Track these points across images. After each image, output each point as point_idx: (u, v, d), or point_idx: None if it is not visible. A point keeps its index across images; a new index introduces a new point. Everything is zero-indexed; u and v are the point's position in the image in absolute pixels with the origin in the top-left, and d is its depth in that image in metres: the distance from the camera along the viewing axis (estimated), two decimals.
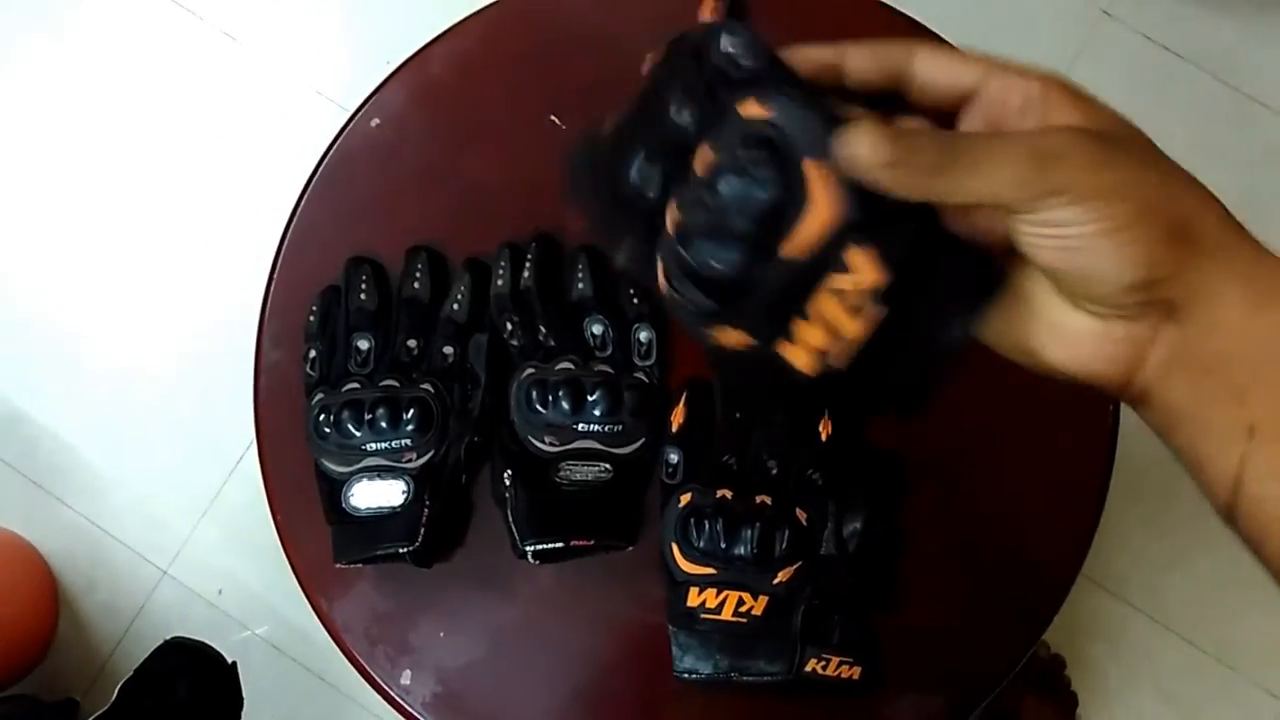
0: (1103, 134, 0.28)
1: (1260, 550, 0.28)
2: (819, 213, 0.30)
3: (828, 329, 0.31)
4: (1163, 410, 0.30)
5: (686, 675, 0.61)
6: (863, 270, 0.30)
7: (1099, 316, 0.29)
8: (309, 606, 0.67)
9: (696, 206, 0.31)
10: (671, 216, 0.32)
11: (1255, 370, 0.28)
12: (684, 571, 0.60)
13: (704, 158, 0.31)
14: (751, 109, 0.30)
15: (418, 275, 0.65)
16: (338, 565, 0.63)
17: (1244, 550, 0.29)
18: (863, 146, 0.28)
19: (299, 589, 0.67)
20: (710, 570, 0.60)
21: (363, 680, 0.66)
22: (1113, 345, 0.29)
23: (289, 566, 0.67)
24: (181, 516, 1.27)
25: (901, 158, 0.28)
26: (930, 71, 0.31)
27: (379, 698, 0.65)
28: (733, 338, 0.33)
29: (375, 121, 0.70)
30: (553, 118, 0.69)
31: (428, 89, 0.71)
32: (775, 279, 0.31)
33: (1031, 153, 0.27)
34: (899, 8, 0.72)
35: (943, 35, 0.70)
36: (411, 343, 0.65)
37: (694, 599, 0.60)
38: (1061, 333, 0.30)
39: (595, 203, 0.35)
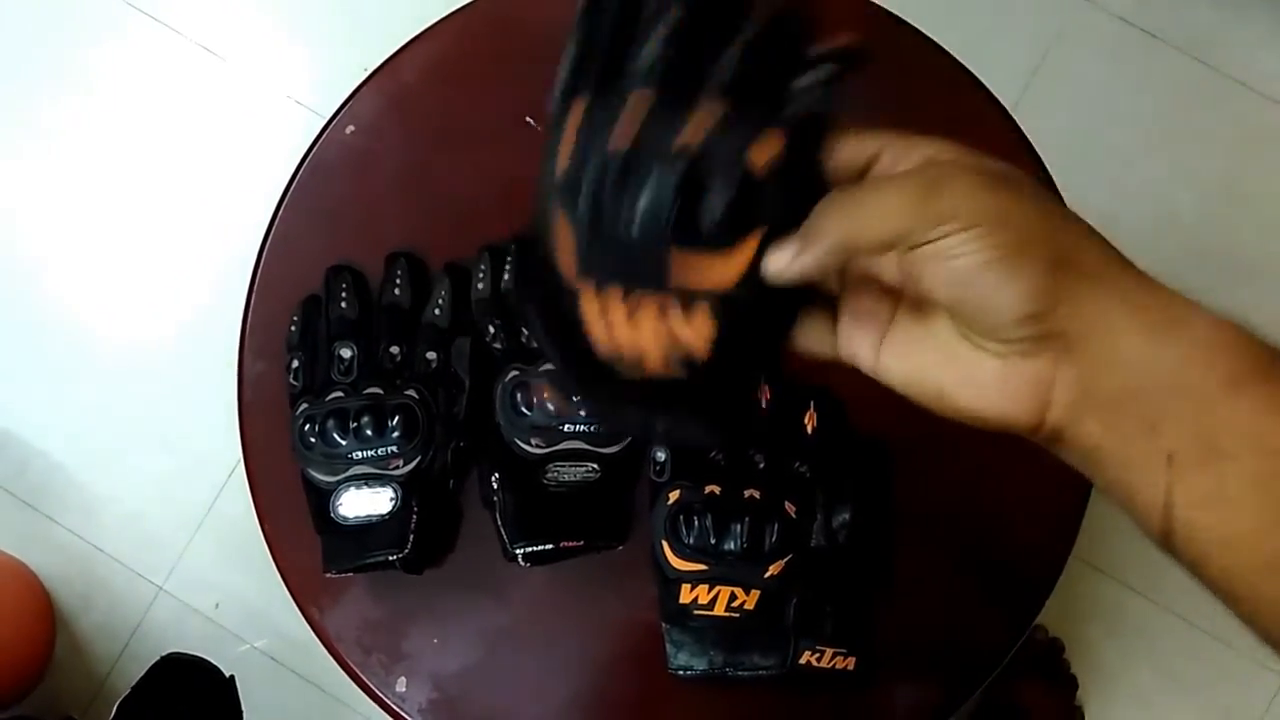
0: (988, 169, 0.30)
1: (1201, 574, 0.29)
2: (740, 260, 0.32)
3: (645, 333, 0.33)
4: (1080, 451, 0.30)
5: (681, 672, 0.61)
6: (700, 329, 0.33)
7: (999, 356, 0.30)
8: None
9: (679, 143, 0.31)
10: (633, 119, 0.32)
11: (1163, 401, 0.28)
12: (675, 568, 0.60)
13: (714, 112, 0.31)
14: (768, 148, 0.32)
15: (398, 281, 0.65)
16: (328, 574, 0.63)
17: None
18: (779, 263, 0.32)
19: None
20: (701, 566, 0.60)
21: (366, 695, 0.65)
22: (1016, 384, 0.30)
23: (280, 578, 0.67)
24: (175, 531, 1.26)
25: (803, 240, 0.31)
26: (838, 150, 0.33)
27: (379, 708, 0.65)
28: (565, 245, 0.34)
29: (350, 129, 0.70)
30: (528, 119, 0.69)
31: (402, 94, 0.71)
32: (656, 262, 0.32)
33: (918, 182, 0.29)
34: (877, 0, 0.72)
35: (920, 24, 0.70)
36: (394, 349, 0.64)
37: (686, 596, 0.60)
38: (968, 375, 0.31)
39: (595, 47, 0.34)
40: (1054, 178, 0.68)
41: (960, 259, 0.28)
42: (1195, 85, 1.28)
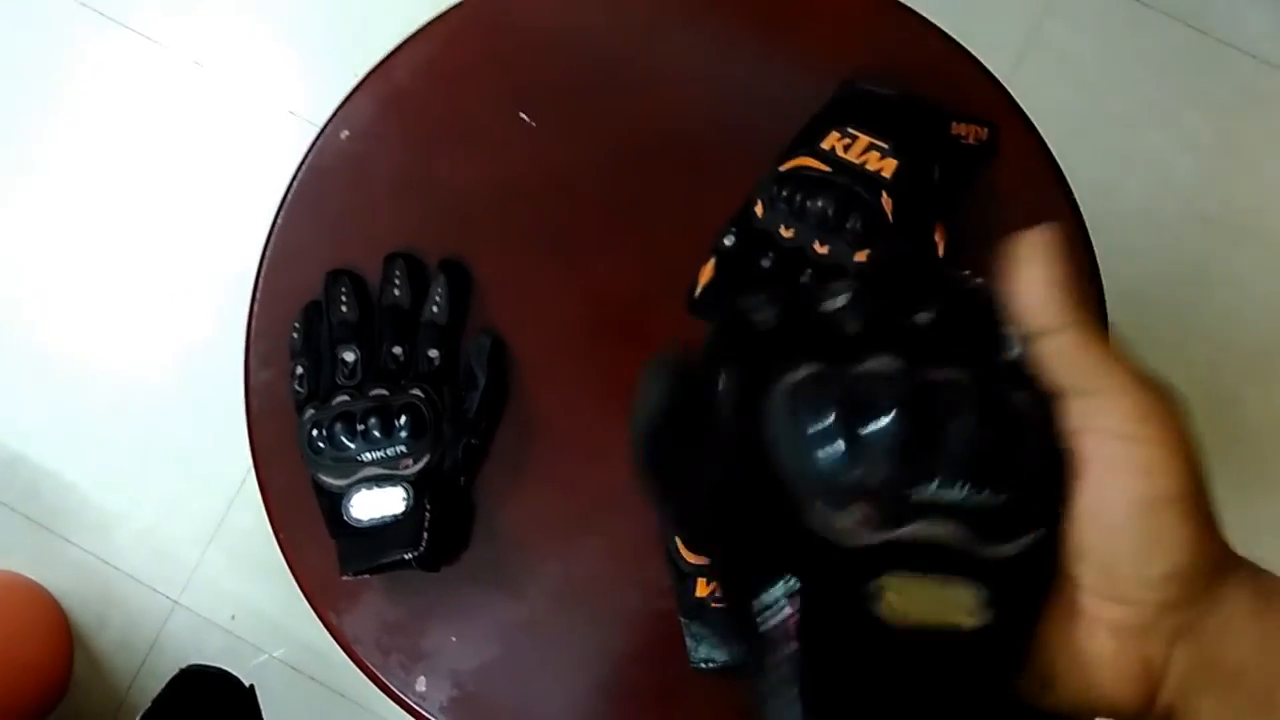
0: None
1: None
2: None
3: None
4: None
5: (704, 665, 0.61)
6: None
7: (1114, 634, 0.28)
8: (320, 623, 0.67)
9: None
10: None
11: (1275, 676, 0.27)
12: (689, 563, 0.60)
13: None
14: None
15: (396, 282, 0.65)
16: (344, 577, 0.63)
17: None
18: None
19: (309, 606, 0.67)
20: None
21: (387, 697, 0.66)
22: (1126, 665, 0.28)
23: (296, 584, 0.67)
24: (188, 545, 1.27)
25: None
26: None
27: (400, 710, 0.65)
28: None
29: (345, 133, 0.70)
30: (522, 115, 0.69)
31: (395, 96, 0.71)
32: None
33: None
34: None
35: (911, 1, 0.70)
36: (397, 350, 0.65)
37: (702, 590, 0.60)
38: (1075, 655, 0.29)
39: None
40: (1052, 148, 0.68)
41: (1152, 479, 0.27)
42: (1187, 50, 1.27)
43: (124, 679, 1.26)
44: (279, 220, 0.70)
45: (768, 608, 0.27)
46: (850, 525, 0.27)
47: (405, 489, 0.62)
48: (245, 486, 1.26)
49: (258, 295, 0.70)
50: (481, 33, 0.72)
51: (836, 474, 0.27)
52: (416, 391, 0.63)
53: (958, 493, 0.27)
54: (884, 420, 0.26)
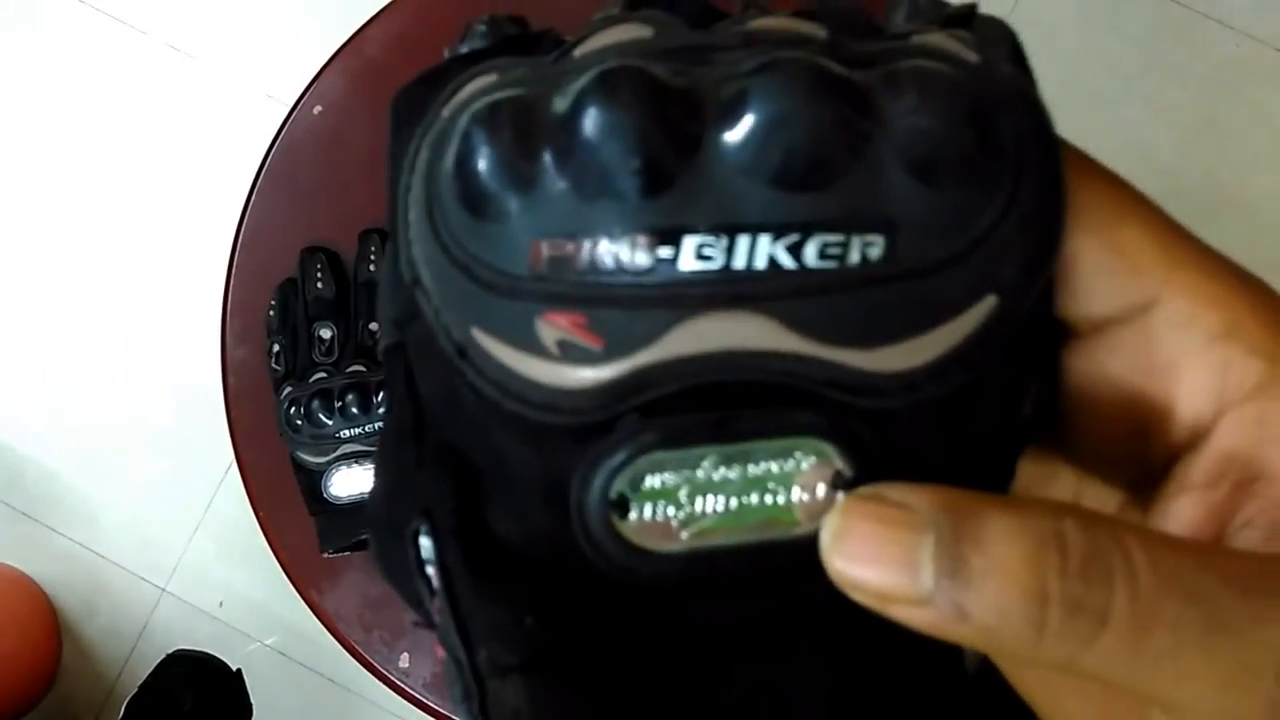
0: None
1: None
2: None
3: None
4: None
5: None
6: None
7: None
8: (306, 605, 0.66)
9: None
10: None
11: None
12: None
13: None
14: None
15: (372, 258, 0.65)
16: (325, 555, 0.63)
17: None
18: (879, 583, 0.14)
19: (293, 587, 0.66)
20: None
21: (370, 674, 0.65)
22: None
23: (277, 563, 0.67)
24: (174, 532, 1.26)
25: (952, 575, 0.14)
26: (1079, 265, 0.17)
27: (389, 691, 0.65)
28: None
29: (317, 109, 0.70)
30: None
31: (367, 70, 0.70)
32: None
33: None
34: None
35: None
36: (373, 326, 0.64)
37: None
38: None
39: None
40: None
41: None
42: (1167, 24, 1.27)
43: (113, 667, 1.26)
44: (252, 197, 0.70)
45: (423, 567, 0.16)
46: (546, 358, 0.14)
47: None
48: (230, 473, 1.25)
49: (233, 273, 0.69)
50: (453, 3, 0.71)
51: (507, 236, 0.14)
52: None
53: (769, 206, 0.13)
54: (599, 107, 0.13)
